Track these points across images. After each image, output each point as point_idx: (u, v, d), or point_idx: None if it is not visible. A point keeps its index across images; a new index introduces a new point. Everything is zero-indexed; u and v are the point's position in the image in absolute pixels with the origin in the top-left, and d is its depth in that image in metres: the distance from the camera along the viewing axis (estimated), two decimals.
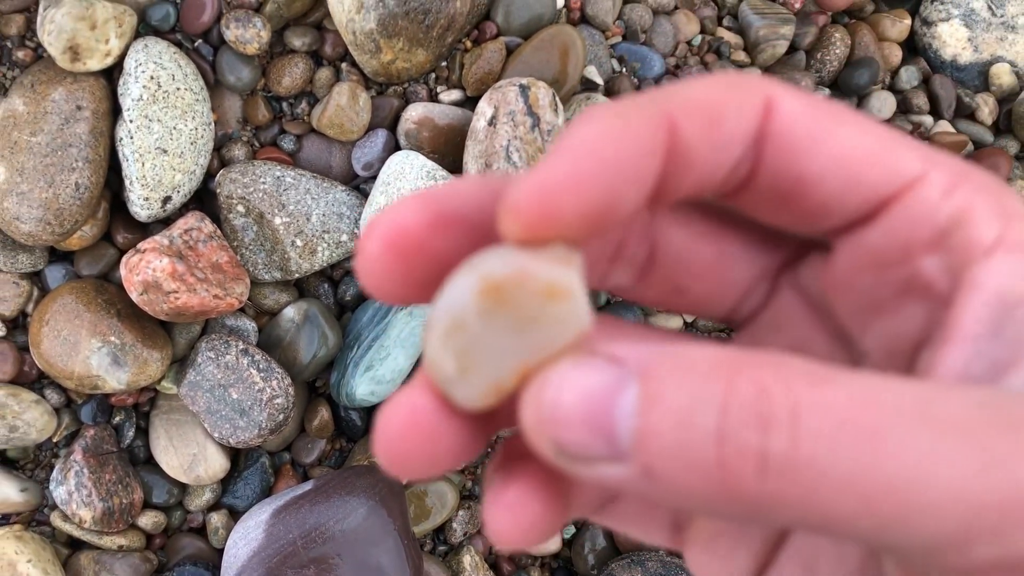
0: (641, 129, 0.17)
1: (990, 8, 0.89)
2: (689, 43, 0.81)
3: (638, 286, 0.22)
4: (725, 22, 0.84)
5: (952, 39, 0.89)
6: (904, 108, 0.88)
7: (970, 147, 0.89)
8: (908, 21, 0.90)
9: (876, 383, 0.15)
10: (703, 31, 0.82)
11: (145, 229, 0.69)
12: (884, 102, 0.86)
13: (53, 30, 0.61)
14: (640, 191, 0.17)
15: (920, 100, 0.88)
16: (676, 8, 0.81)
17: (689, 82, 0.18)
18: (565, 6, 0.75)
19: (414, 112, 0.71)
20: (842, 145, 0.18)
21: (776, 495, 0.14)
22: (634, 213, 0.18)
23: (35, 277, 0.69)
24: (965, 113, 0.90)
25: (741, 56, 0.82)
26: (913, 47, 0.91)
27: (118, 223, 0.69)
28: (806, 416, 0.14)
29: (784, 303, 0.23)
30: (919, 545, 0.14)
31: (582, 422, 0.15)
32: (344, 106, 0.69)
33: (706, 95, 0.18)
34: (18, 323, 0.70)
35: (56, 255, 0.69)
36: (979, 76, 0.90)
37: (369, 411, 0.76)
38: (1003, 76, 0.89)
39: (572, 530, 0.81)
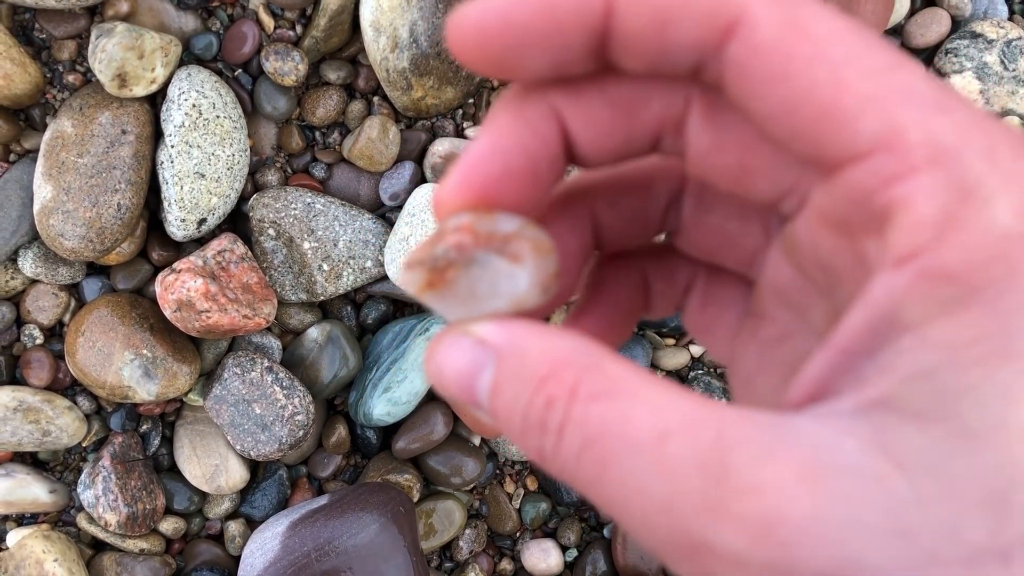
0: (563, 3, 0.18)
1: (1003, 62, 0.92)
2: None
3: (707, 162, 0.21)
4: None
5: (965, 91, 0.92)
6: None
7: None
8: None
9: (652, 403, 0.17)
10: None
11: (179, 248, 0.73)
12: None
13: (104, 58, 0.64)
14: (556, 57, 0.19)
15: None
16: None
17: None
18: None
19: (441, 147, 0.74)
20: (817, 78, 0.17)
21: (555, 474, 0.18)
22: (582, 71, 0.20)
23: (72, 289, 0.73)
24: None
25: None
26: None
27: (154, 241, 0.72)
28: (568, 433, 0.17)
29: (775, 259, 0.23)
30: (653, 550, 0.17)
31: (458, 388, 0.19)
32: (374, 138, 0.73)
33: None
34: (54, 332, 0.73)
35: (93, 268, 0.73)
36: None
37: (385, 430, 0.79)
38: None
39: (574, 553, 0.84)
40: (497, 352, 0.19)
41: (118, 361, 0.69)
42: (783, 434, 0.16)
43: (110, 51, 0.64)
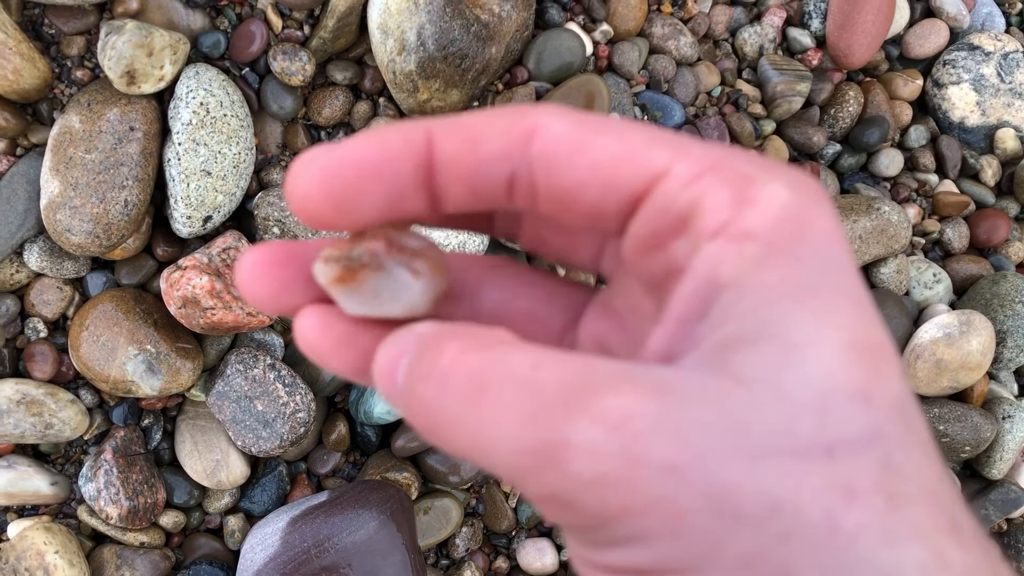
0: (392, 140, 0.21)
1: (999, 75, 0.93)
2: (709, 94, 0.85)
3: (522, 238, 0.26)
4: (744, 75, 0.88)
5: (961, 102, 0.93)
6: (911, 166, 0.92)
7: (972, 207, 0.92)
8: (920, 82, 0.94)
9: (530, 349, 0.20)
10: (723, 83, 0.86)
11: (184, 244, 0.73)
12: (892, 160, 0.90)
13: (114, 55, 0.65)
14: (391, 188, 0.22)
15: (927, 159, 0.92)
16: (698, 60, 0.85)
17: (464, 112, 0.22)
18: (593, 54, 0.79)
19: None
20: (598, 153, 0.21)
21: (426, 415, 0.21)
22: (416, 210, 0.22)
23: (77, 283, 0.73)
24: (969, 174, 0.93)
25: (758, 109, 0.86)
26: (923, 107, 0.95)
27: (159, 237, 0.73)
28: (454, 372, 0.20)
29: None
30: (503, 477, 0.19)
31: (385, 378, 0.22)
32: None
33: (471, 120, 0.21)
34: (58, 325, 0.73)
35: (97, 263, 0.73)
36: (985, 139, 0.94)
37: (384, 428, 0.80)
38: (1008, 140, 0.92)
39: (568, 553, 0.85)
40: (411, 352, 0.21)
41: (122, 356, 0.69)
42: (639, 368, 0.19)
43: (120, 48, 0.65)
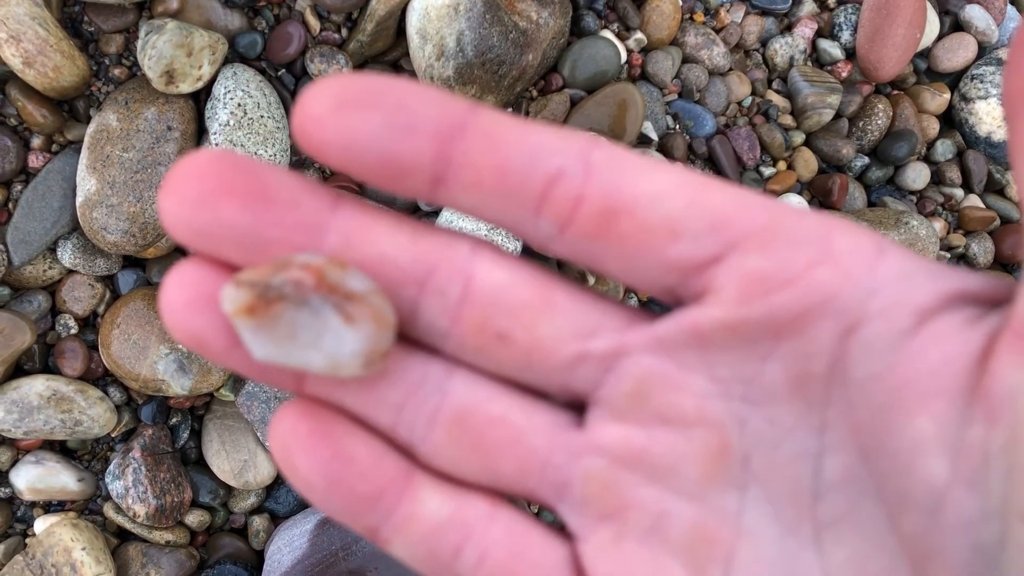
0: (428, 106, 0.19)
1: None
2: (740, 104, 0.85)
3: (452, 330, 0.20)
4: (775, 85, 0.88)
5: (988, 117, 0.93)
6: (937, 179, 0.92)
7: (997, 222, 0.92)
8: (947, 96, 0.94)
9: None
10: (754, 93, 0.86)
11: None
12: (919, 173, 0.90)
13: (154, 55, 0.65)
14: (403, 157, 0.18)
15: (953, 173, 0.92)
16: (730, 70, 0.85)
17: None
18: (627, 62, 0.79)
19: None
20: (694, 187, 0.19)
21: None
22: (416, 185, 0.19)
23: (108, 280, 0.73)
24: (995, 189, 0.94)
25: (788, 120, 0.86)
26: (950, 121, 0.95)
27: None
28: None
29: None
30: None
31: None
32: None
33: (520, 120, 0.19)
34: (88, 322, 0.73)
35: (129, 261, 0.73)
36: None
37: None
38: None
39: None
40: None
41: (153, 355, 0.69)
42: None
43: (160, 48, 0.65)
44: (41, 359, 0.71)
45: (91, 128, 0.68)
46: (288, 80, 0.73)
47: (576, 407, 0.21)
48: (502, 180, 0.18)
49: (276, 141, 0.70)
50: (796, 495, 0.19)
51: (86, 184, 0.67)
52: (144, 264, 0.73)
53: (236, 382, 0.74)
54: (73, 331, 0.72)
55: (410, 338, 0.21)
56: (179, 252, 0.73)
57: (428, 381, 0.20)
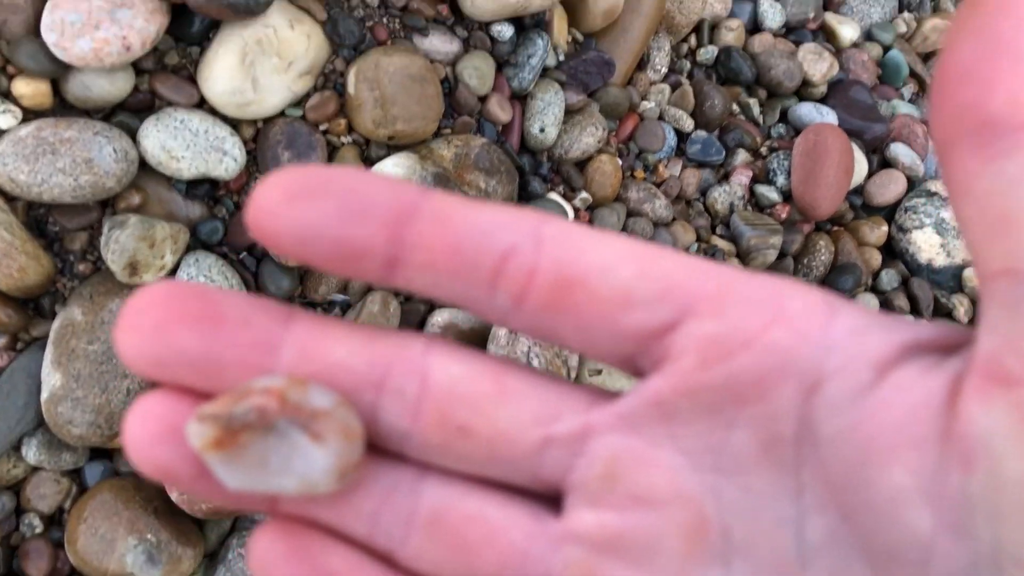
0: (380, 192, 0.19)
1: None
2: (687, 250, 0.89)
3: (414, 430, 0.20)
4: (719, 231, 0.92)
5: (926, 245, 0.97)
6: (887, 307, 0.96)
7: None
8: (885, 228, 0.98)
9: None
10: (699, 239, 0.90)
11: None
12: (868, 303, 0.93)
13: (117, 249, 0.67)
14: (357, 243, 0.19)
15: (901, 301, 0.95)
16: (674, 220, 0.89)
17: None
18: (575, 218, 0.83)
19: (440, 318, 0.77)
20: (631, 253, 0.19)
21: None
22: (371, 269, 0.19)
23: (74, 474, 0.72)
24: (943, 313, 0.97)
25: (735, 262, 0.89)
26: (891, 251, 1.00)
27: None
28: None
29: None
30: None
31: None
32: (376, 313, 0.75)
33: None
34: (54, 519, 0.72)
35: (96, 452, 0.73)
36: (953, 279, 0.98)
37: None
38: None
39: None
40: None
41: (121, 547, 0.68)
42: None
43: (123, 242, 0.67)
44: (5, 562, 0.70)
45: (56, 324, 0.69)
46: (250, 263, 0.75)
47: (553, 499, 0.21)
48: (456, 258, 0.18)
49: None
50: (781, 564, 0.18)
51: (51, 379, 0.67)
52: (111, 454, 0.73)
53: (207, 568, 0.72)
54: (39, 530, 0.71)
55: (374, 444, 0.20)
56: None
57: (400, 486, 0.20)
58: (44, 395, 0.67)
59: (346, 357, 0.19)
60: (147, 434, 0.19)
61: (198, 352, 0.19)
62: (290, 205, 0.18)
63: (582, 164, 0.85)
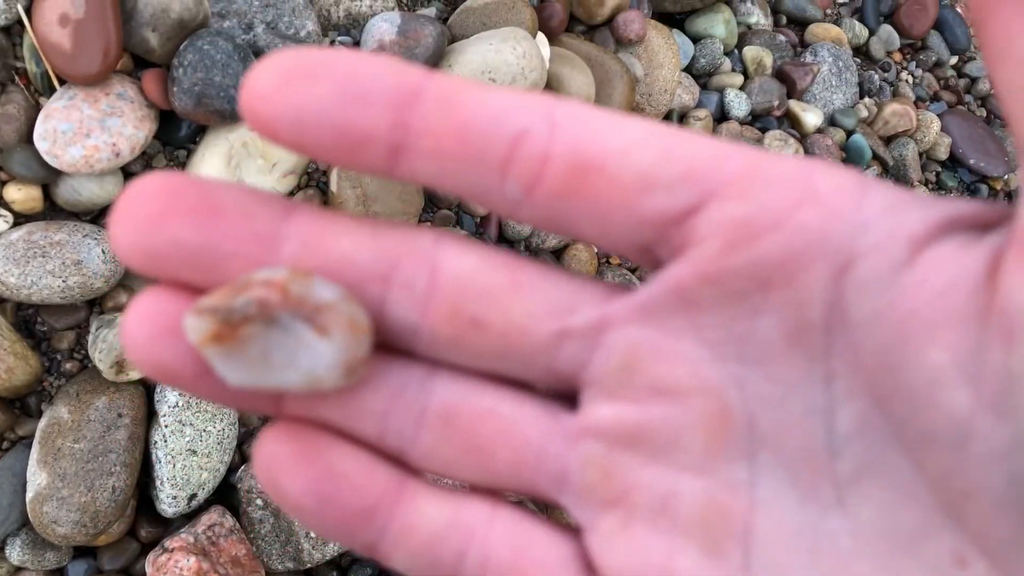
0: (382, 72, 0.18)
1: None
2: None
3: (424, 323, 0.19)
4: None
5: None
6: None
7: None
8: None
9: None
10: None
11: (168, 523, 0.73)
12: None
13: (104, 348, 0.68)
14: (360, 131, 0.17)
15: None
16: None
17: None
18: None
19: None
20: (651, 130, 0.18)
21: None
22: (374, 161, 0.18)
23: (58, 573, 0.72)
24: None
25: None
26: None
27: (142, 518, 0.73)
28: None
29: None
30: None
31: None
32: None
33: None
34: None
35: (79, 551, 0.73)
36: None
37: None
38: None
39: None
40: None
41: None
42: None
43: (110, 341, 0.68)
44: None
45: (42, 423, 0.70)
46: None
47: (568, 396, 0.20)
48: (464, 144, 0.17)
49: (224, 416, 0.73)
50: (810, 455, 0.17)
51: (36, 479, 0.68)
52: (95, 552, 0.73)
53: None
54: None
55: (382, 340, 0.19)
56: (130, 536, 0.73)
57: (410, 383, 0.19)
58: (29, 494, 0.68)
59: (351, 250, 0.18)
60: (145, 333, 0.18)
61: (195, 244, 0.18)
62: (286, 89, 0.17)
63: (559, 252, 0.88)
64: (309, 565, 0.75)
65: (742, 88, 1.09)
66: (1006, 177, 1.25)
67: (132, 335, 0.18)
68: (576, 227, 0.18)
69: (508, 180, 0.17)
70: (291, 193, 0.77)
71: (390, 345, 0.19)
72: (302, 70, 0.17)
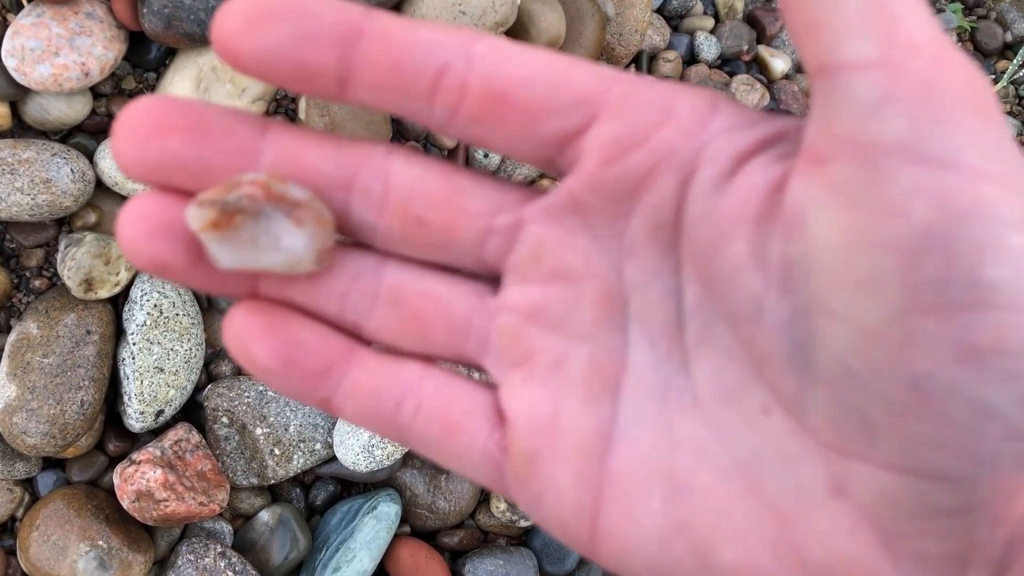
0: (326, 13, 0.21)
1: None
2: None
3: (379, 222, 0.23)
4: None
5: None
6: None
7: None
8: None
9: None
10: None
11: (135, 438, 0.76)
12: None
13: (73, 265, 0.70)
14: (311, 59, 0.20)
15: None
16: None
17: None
18: None
19: None
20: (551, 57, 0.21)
21: None
22: (324, 86, 0.21)
23: (27, 483, 0.75)
24: None
25: None
26: None
27: (110, 432, 0.75)
28: None
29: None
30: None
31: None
32: None
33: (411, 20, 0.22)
34: (6, 528, 0.74)
35: (48, 462, 0.75)
36: None
37: None
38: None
39: None
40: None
41: (72, 553, 0.70)
42: None
43: (79, 259, 0.70)
44: None
45: (11, 337, 0.71)
46: None
47: (493, 280, 0.24)
48: (398, 76, 0.20)
49: (191, 336, 0.75)
50: (666, 328, 0.22)
51: (6, 391, 0.70)
52: (64, 464, 0.75)
53: (157, 573, 0.75)
54: None
55: (346, 237, 0.24)
56: (98, 449, 0.75)
57: (365, 271, 0.23)
58: None
59: (318, 161, 0.22)
60: (141, 230, 0.21)
61: (186, 157, 0.21)
62: (249, 31, 0.20)
63: (531, 182, 0.90)
64: (272, 481, 0.77)
65: (712, 31, 1.09)
66: None
67: (129, 234, 0.21)
68: (492, 144, 0.22)
69: (435, 106, 0.21)
70: None
71: (354, 240, 0.23)
72: (261, 12, 0.20)
